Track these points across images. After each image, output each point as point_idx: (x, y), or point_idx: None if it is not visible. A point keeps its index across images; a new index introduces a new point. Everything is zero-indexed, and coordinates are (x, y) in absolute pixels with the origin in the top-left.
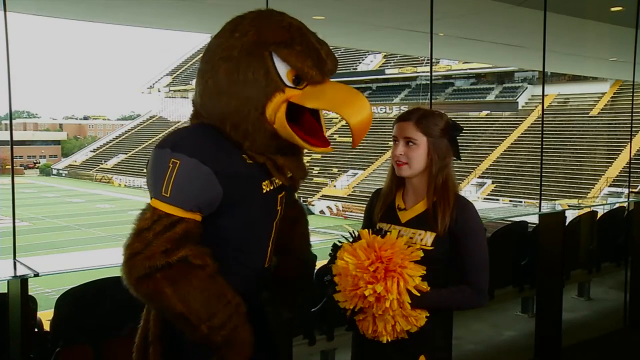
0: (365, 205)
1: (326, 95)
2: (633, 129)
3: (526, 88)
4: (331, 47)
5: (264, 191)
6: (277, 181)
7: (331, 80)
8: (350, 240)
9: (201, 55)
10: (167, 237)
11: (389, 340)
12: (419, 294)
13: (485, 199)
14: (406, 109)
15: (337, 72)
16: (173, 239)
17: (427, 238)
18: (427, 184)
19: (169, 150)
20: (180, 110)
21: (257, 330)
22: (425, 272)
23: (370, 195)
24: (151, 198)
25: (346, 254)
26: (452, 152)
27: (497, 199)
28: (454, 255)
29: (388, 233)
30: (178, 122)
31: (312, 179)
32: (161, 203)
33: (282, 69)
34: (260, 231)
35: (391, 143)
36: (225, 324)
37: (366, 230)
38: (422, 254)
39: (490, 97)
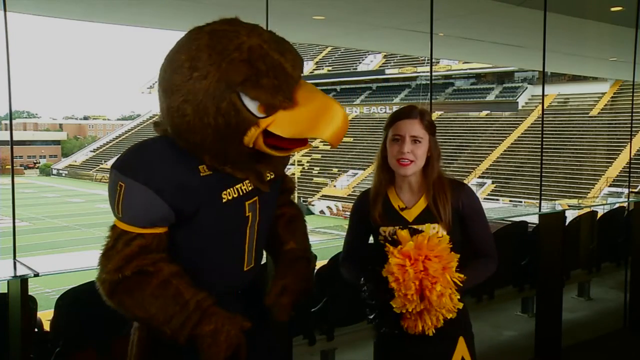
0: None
1: (298, 120)
2: (633, 129)
3: (526, 88)
4: (331, 47)
5: (224, 200)
6: (244, 187)
7: (303, 82)
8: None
9: (158, 80)
10: (123, 254)
11: (434, 332)
12: (461, 284)
13: (485, 199)
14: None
15: (338, 72)
16: (128, 255)
17: (441, 229)
18: (424, 180)
19: (116, 172)
20: None
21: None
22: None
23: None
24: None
25: (399, 260)
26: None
27: (497, 199)
28: (464, 233)
29: (422, 232)
30: None
31: (312, 179)
32: (118, 221)
33: (253, 106)
34: (227, 239)
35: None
36: (184, 324)
37: (406, 230)
38: (449, 245)
39: (490, 97)
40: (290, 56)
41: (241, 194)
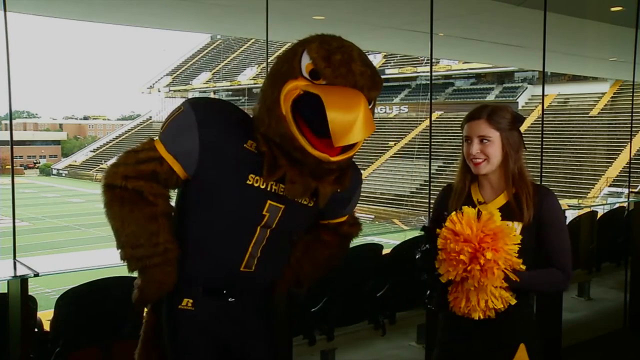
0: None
1: (327, 90)
2: (633, 129)
3: (526, 88)
4: None
5: (248, 182)
6: (275, 187)
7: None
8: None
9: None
10: (138, 167)
11: (481, 317)
12: (522, 267)
13: None
14: (406, 109)
15: None
16: (140, 171)
17: (516, 228)
18: (504, 177)
19: (185, 100)
20: None
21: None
22: (520, 244)
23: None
24: None
25: (451, 224)
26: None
27: None
28: (539, 241)
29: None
30: None
31: None
32: (157, 139)
33: (304, 61)
34: (234, 224)
35: (391, 143)
36: (143, 257)
37: (470, 207)
38: (519, 237)
39: (490, 97)
40: (364, 68)
41: (268, 189)
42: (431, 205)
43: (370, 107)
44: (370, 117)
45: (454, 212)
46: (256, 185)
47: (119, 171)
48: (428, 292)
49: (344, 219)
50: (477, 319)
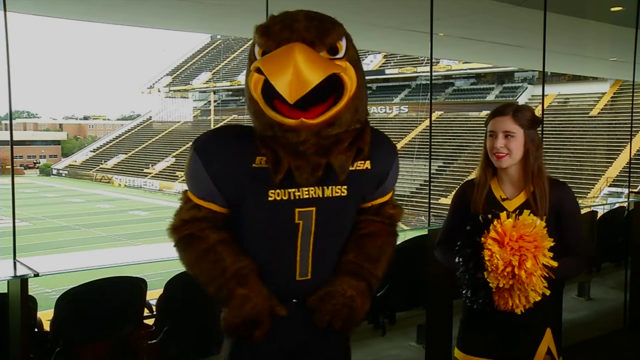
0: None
1: (263, 60)
2: (633, 129)
3: (526, 88)
4: None
5: (270, 198)
6: (297, 193)
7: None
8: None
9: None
10: (180, 217)
11: (522, 311)
12: (551, 267)
13: None
14: (406, 109)
15: None
16: (183, 219)
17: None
18: (524, 174)
19: (192, 147)
20: (180, 110)
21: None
22: (553, 244)
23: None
24: None
25: (496, 234)
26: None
27: None
28: (558, 231)
29: (519, 216)
30: (178, 122)
31: None
32: (187, 190)
33: (257, 49)
34: (274, 242)
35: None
36: (222, 287)
37: (505, 212)
38: (544, 230)
39: (490, 97)
40: (310, 24)
41: (292, 198)
42: (432, 205)
43: (343, 50)
44: (316, 59)
45: (496, 221)
46: (279, 198)
47: (171, 226)
48: (469, 291)
49: (386, 198)
50: (519, 313)
